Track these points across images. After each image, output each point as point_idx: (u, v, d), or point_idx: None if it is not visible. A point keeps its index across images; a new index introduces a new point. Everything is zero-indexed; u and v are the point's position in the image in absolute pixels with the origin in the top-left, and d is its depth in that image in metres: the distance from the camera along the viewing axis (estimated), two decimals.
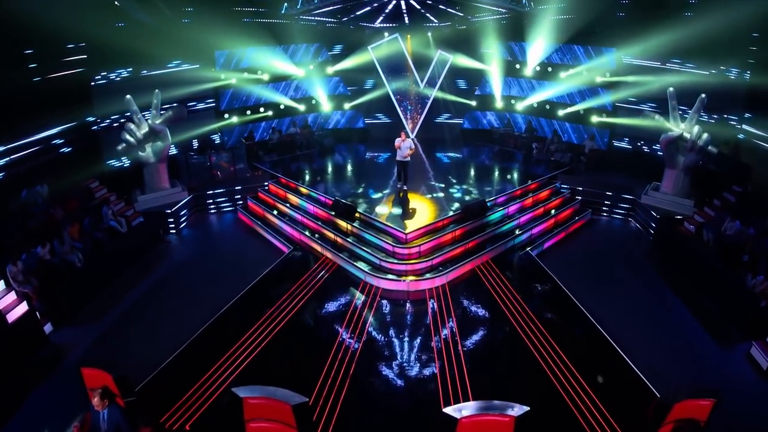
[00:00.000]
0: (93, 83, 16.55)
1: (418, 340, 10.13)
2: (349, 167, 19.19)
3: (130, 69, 17.34)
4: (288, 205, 15.87)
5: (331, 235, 13.80)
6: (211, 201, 17.19)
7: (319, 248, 13.63)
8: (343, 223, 13.94)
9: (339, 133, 22.54)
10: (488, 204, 14.24)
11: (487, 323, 10.66)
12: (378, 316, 10.98)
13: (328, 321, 10.80)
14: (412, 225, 13.02)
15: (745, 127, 15.89)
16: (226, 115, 20.00)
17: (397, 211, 14.07)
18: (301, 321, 10.76)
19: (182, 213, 16.19)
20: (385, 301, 11.50)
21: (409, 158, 15.08)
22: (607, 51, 18.69)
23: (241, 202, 17.20)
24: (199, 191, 17.05)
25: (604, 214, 16.30)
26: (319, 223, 14.39)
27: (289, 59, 20.93)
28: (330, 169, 18.95)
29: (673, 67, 16.96)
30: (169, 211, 15.56)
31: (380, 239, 12.84)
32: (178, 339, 9.90)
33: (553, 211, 15.35)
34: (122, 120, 15.95)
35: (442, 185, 16.24)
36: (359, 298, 11.63)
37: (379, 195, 15.46)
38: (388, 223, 13.15)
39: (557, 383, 8.80)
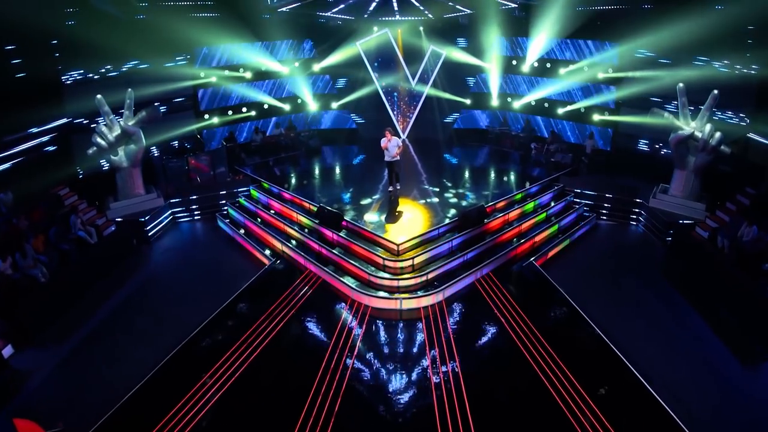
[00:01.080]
0: (64, 82, 15.51)
1: (412, 369, 8.95)
2: (337, 170, 17.99)
3: (107, 66, 16.35)
4: (270, 212, 14.71)
5: (316, 246, 12.64)
6: (189, 208, 15.96)
7: (302, 260, 12.43)
8: (328, 233, 12.76)
9: (326, 134, 21.39)
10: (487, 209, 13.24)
11: (489, 346, 9.51)
12: (367, 340, 9.77)
13: (311, 347, 9.60)
14: (404, 234, 11.89)
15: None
16: (207, 116, 18.85)
17: (389, 218, 12.95)
18: (279, 347, 9.57)
19: (157, 221, 15.03)
20: (375, 322, 10.32)
21: (398, 157, 14.11)
22: (610, 46, 17.87)
23: (221, 208, 16.01)
24: (176, 197, 15.92)
25: (610, 218, 15.24)
26: (304, 232, 13.25)
27: (273, 56, 19.95)
28: (316, 172, 17.76)
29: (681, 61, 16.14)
30: (143, 219, 14.44)
31: (370, 251, 11.69)
32: (145, 366, 8.88)
33: (555, 217, 14.32)
34: (96, 121, 14.98)
35: (436, 189, 15.11)
36: (346, 318, 10.41)
37: (368, 200, 14.28)
38: (378, 234, 12.03)
39: (569, 413, 7.71)
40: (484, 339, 9.72)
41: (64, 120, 15.77)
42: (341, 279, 11.29)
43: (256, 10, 18.19)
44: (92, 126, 14.74)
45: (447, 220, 12.78)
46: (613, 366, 8.84)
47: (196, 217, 15.98)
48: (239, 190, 16.24)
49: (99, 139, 14.00)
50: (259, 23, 18.34)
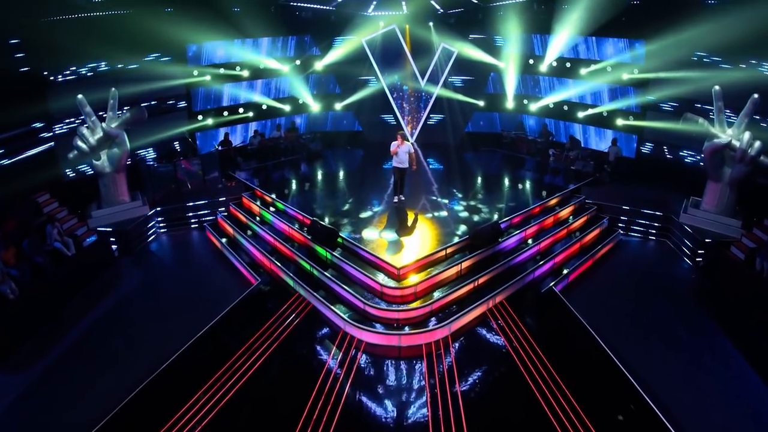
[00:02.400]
0: (47, 81, 14.33)
1: (412, 417, 7.54)
2: (337, 177, 16.54)
3: (92, 65, 15.12)
4: (261, 224, 13.34)
5: (307, 267, 11.20)
6: (176, 216, 14.68)
7: (291, 282, 11.04)
8: (322, 251, 11.39)
9: (329, 137, 19.95)
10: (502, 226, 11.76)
11: (500, 393, 8.05)
12: (358, 384, 8.28)
13: (293, 388, 8.21)
14: (407, 255, 10.49)
15: None
16: (200, 117, 17.56)
17: (391, 235, 11.58)
18: (257, 387, 8.21)
19: (141, 231, 13.82)
20: (369, 360, 8.85)
21: (407, 165, 12.80)
22: (635, 43, 16.38)
23: (210, 217, 14.72)
24: (163, 205, 14.66)
25: (636, 234, 13.75)
26: (295, 248, 11.85)
27: (273, 53, 18.80)
28: (314, 179, 16.39)
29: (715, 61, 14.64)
30: (125, 229, 13.29)
31: (366, 274, 10.21)
32: (115, 397, 7.81)
33: (577, 233, 12.88)
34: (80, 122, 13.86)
35: (445, 201, 13.65)
36: (335, 356, 8.91)
37: (369, 213, 12.83)
38: (376, 255, 10.57)
39: None
40: (495, 385, 8.25)
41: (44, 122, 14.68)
42: (332, 307, 9.81)
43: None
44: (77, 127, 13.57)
45: (456, 239, 11.29)
46: (643, 416, 7.44)
47: (183, 227, 14.68)
48: (231, 197, 14.96)
49: (80, 142, 12.87)
50: (254, 18, 17.13)
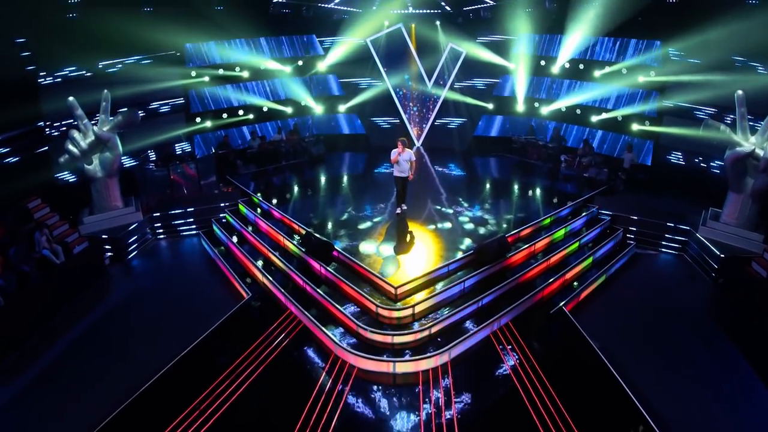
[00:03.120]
0: (40, 81, 13.85)
1: None
2: (338, 183, 15.78)
3: (87, 66, 14.63)
4: (255, 233, 12.66)
5: (300, 282, 10.45)
6: (170, 223, 14.10)
7: (283, 298, 10.27)
8: (317, 266, 10.63)
9: (333, 140, 19.20)
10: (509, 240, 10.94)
11: (503, 426, 7.36)
12: (348, 413, 7.60)
13: (278, 415, 7.56)
14: (407, 271, 9.73)
15: None
16: (199, 119, 16.95)
17: (391, 250, 10.78)
18: (240, 414, 7.58)
19: (134, 238, 13.24)
20: (361, 387, 8.12)
21: (408, 173, 12.06)
22: (651, 45, 15.48)
23: (205, 225, 14.02)
24: (157, 211, 14.07)
25: (651, 247, 12.83)
26: (289, 262, 11.11)
27: (275, 53, 18.20)
28: (314, 185, 15.64)
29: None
30: (114, 236, 12.81)
31: (360, 293, 9.46)
32: (96, 415, 7.36)
33: (590, 246, 12.04)
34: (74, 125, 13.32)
35: (449, 211, 12.84)
36: (325, 382, 8.17)
37: (368, 224, 12.09)
38: (373, 272, 9.81)
39: None
40: (497, 418, 7.51)
41: (39, 123, 14.09)
42: (323, 328, 9.07)
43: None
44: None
45: (459, 254, 10.50)
46: None
47: (177, 234, 14.08)
48: (227, 204, 14.35)
49: (71, 146, 12.43)
50: (257, 18, 16.55)
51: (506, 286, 10.09)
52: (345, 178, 16.32)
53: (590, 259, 11.67)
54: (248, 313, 10.27)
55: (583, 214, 13.19)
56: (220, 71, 16.95)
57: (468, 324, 9.23)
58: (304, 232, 11.35)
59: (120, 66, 15.13)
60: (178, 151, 16.60)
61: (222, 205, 14.29)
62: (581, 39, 16.47)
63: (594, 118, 17.22)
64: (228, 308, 10.16)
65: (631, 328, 9.79)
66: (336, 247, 10.67)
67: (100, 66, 14.89)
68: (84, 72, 14.68)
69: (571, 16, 15.97)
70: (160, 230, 14.17)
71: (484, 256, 10.17)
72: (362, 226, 12.03)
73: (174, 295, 11.28)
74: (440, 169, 17.09)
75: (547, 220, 12.54)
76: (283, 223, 12.69)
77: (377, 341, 8.71)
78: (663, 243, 12.93)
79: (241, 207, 14.06)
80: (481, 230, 11.74)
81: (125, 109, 13.49)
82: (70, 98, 12.19)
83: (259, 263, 11.47)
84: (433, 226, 11.93)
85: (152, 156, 15.51)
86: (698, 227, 12.33)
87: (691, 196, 13.99)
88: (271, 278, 10.72)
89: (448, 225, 12.04)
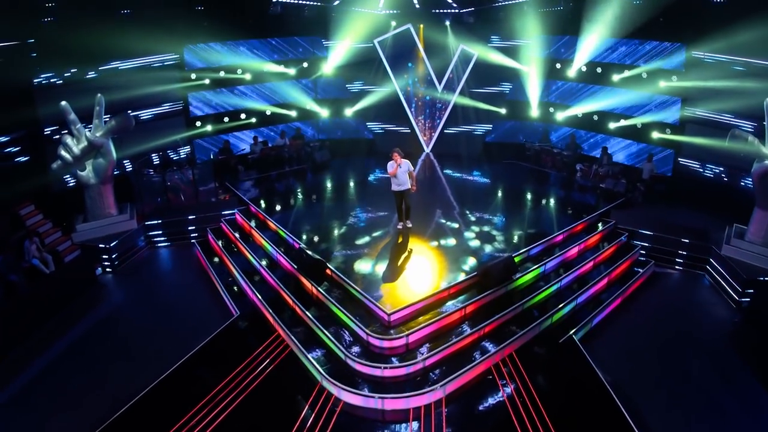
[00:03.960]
0: (35, 84, 13.46)
1: None
2: (341, 191, 14.98)
3: (85, 69, 14.13)
4: (248, 246, 11.90)
5: (290, 301, 9.67)
6: (166, 232, 13.59)
7: (271, 319, 9.51)
8: (308, 285, 9.81)
9: (339, 145, 18.43)
10: (516, 261, 10.02)
11: None
12: None
13: None
14: (402, 295, 8.85)
15: None
16: (199, 123, 16.32)
17: (389, 269, 9.90)
18: None
19: (126, 247, 12.80)
20: (347, 425, 7.33)
21: (407, 186, 11.09)
22: (673, 47, 14.41)
23: (200, 234, 13.47)
24: (152, 219, 13.54)
25: (671, 266, 11.89)
26: (280, 279, 10.34)
27: (278, 55, 17.52)
28: (314, 193, 14.84)
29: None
30: (105, 245, 12.36)
31: (351, 317, 8.62)
32: None
33: (603, 267, 11.11)
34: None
35: (455, 225, 11.91)
36: (307, 417, 7.37)
37: (367, 239, 11.23)
38: (367, 295, 8.89)
39: None
40: None
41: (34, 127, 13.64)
42: (308, 356, 8.27)
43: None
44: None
45: (461, 276, 9.59)
46: None
47: (172, 243, 13.54)
48: (224, 213, 13.70)
49: (63, 152, 12.05)
50: (260, 19, 15.88)
51: (512, 312, 9.18)
52: (347, 186, 15.53)
53: (605, 280, 10.78)
54: (235, 333, 9.58)
55: (599, 229, 12.26)
56: (221, 74, 16.30)
57: (467, 355, 8.35)
58: (297, 246, 10.64)
59: (118, 69, 14.54)
60: (178, 157, 16.02)
61: (219, 213, 13.68)
62: (599, 40, 15.47)
63: (612, 125, 16.22)
64: (215, 327, 9.55)
65: (645, 359, 8.93)
66: (329, 266, 9.91)
67: (99, 69, 14.33)
68: (82, 75, 14.15)
69: (588, 17, 15.00)
70: (155, 239, 13.65)
71: (488, 279, 9.31)
72: (360, 240, 11.21)
73: (162, 310, 10.74)
74: (449, 176, 16.27)
75: (560, 237, 11.62)
76: (278, 236, 11.96)
77: (365, 374, 7.88)
78: (683, 261, 12.00)
79: (237, 216, 13.39)
80: (488, 248, 10.82)
81: (119, 114, 12.92)
82: (63, 103, 11.76)
83: (250, 278, 10.77)
84: (435, 243, 11.03)
85: (156, 160, 14.85)
86: (721, 245, 11.39)
87: (714, 211, 13.02)
88: (260, 296, 10.01)
89: (452, 242, 11.11)
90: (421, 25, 17.55)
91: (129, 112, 13.32)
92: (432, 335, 8.53)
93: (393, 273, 9.86)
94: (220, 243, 12.51)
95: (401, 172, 10.86)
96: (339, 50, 17.88)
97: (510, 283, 9.62)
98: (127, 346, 9.50)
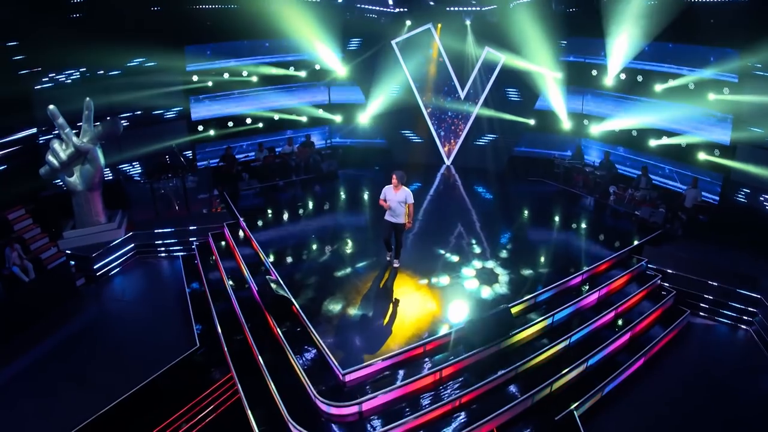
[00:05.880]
0: (33, 86, 12.90)
1: None
2: (339, 208, 13.46)
3: (81, 69, 13.46)
4: (225, 269, 10.61)
5: (249, 340, 8.25)
6: (152, 243, 12.67)
7: (228, 357, 8.12)
8: (271, 322, 8.33)
9: (351, 154, 17.00)
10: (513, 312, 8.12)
11: None
12: None
13: None
14: (369, 348, 7.29)
15: None
16: (201, 127, 15.25)
17: (361, 313, 8.26)
18: None
19: (111, 257, 11.96)
20: None
21: (402, 220, 9.21)
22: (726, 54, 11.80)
23: (186, 248, 12.46)
24: (139, 229, 12.66)
25: (710, 315, 9.74)
26: (244, 310, 8.94)
27: (288, 56, 16.13)
28: (310, 209, 13.37)
29: None
30: (87, 255, 11.59)
31: (301, 372, 7.10)
32: None
33: (622, 321, 9.03)
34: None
35: (454, 258, 10.08)
36: None
37: (347, 271, 9.64)
38: (324, 343, 7.37)
39: None
40: None
41: (32, 130, 13.08)
42: (249, 412, 6.86)
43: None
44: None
45: (443, 329, 7.78)
46: None
47: (158, 256, 12.61)
48: (213, 226, 12.48)
49: (51, 157, 11.38)
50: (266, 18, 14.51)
51: (500, 377, 7.37)
52: (347, 203, 14.01)
53: (627, 336, 8.80)
54: (189, 367, 8.39)
55: (626, 270, 10.17)
56: (225, 76, 15.08)
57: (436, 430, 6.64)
58: (273, 276, 9.21)
59: (117, 70, 13.60)
60: (177, 162, 14.93)
61: (209, 226, 12.54)
62: (639, 45, 13.21)
63: (652, 143, 13.92)
64: (174, 357, 8.45)
65: None
66: (295, 302, 8.39)
67: (98, 71, 13.50)
68: (78, 77, 13.39)
69: (626, 18, 12.80)
70: (141, 249, 12.71)
71: (475, 336, 7.57)
72: (341, 272, 9.62)
73: (130, 332, 9.82)
74: (465, 194, 14.56)
75: (578, 279, 9.62)
76: (258, 259, 10.57)
77: None
78: (725, 312, 9.81)
79: (227, 231, 12.14)
80: (486, 291, 8.98)
81: (107, 119, 12.05)
82: (51, 106, 11.10)
83: (218, 307, 9.49)
84: (426, 281, 9.28)
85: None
86: None
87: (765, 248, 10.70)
88: (220, 329, 8.68)
89: (445, 281, 9.31)
90: (439, 24, 15.73)
91: (118, 117, 12.56)
92: (394, 403, 6.84)
93: (365, 319, 8.22)
94: (200, 261, 11.26)
95: (395, 202, 9.10)
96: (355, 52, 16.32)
97: (504, 340, 7.79)
98: (83, 371, 8.61)
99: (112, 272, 11.98)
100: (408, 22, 15.97)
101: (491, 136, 16.68)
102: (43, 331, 9.75)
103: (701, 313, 9.95)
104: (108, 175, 13.96)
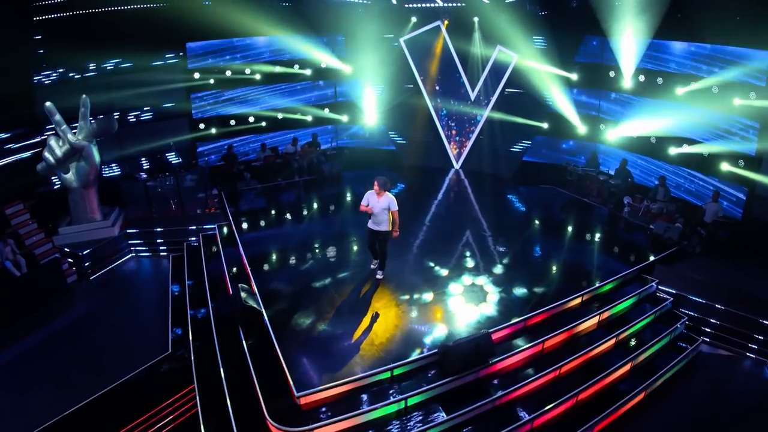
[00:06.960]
0: (35, 82, 12.82)
1: None
2: (332, 213, 12.83)
3: (84, 66, 13.26)
4: (207, 273, 10.16)
5: (217, 351, 7.66)
6: (145, 241, 12.42)
7: (194, 367, 7.63)
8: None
9: (356, 155, 16.23)
10: (493, 340, 7.23)
11: None
12: None
13: None
14: (333, 370, 6.60)
15: None
16: (202, 125, 14.81)
17: (331, 330, 7.54)
18: None
19: (102, 255, 11.83)
20: None
21: (385, 227, 8.52)
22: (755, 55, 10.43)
23: (178, 248, 12.05)
24: (134, 227, 12.42)
25: (722, 344, 8.68)
26: (217, 319, 8.43)
27: (292, 54, 15.50)
28: (304, 212, 12.85)
29: None
30: (81, 251, 11.51)
31: (257, 391, 6.47)
32: None
33: (630, 344, 8.14)
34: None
35: (443, 272, 9.24)
36: None
37: (326, 281, 8.93)
38: (283, 361, 6.74)
39: None
40: None
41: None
42: (203, 428, 6.33)
43: None
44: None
45: (416, 353, 7.00)
46: None
47: (151, 255, 12.36)
48: (206, 227, 12.06)
49: (47, 154, 11.30)
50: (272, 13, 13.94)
51: (473, 410, 6.55)
52: (342, 207, 13.31)
53: (627, 366, 7.85)
54: (154, 375, 8.04)
55: (633, 294, 9.11)
56: (228, 73, 14.59)
57: None
58: (252, 286, 8.61)
59: (117, 67, 13.28)
60: (179, 160, 14.62)
61: (202, 227, 12.21)
62: (655, 45, 12.12)
63: (672, 151, 12.69)
64: (145, 361, 8.19)
65: None
66: (264, 314, 7.74)
67: (100, 67, 13.24)
68: (80, 73, 13.23)
69: (647, 15, 11.68)
70: (135, 248, 12.51)
71: (450, 363, 6.76)
72: (319, 282, 8.92)
73: (111, 333, 9.63)
74: (470, 201, 13.78)
75: (577, 301, 8.64)
76: (240, 264, 9.98)
77: None
78: (743, 343, 8.71)
79: (218, 232, 11.65)
80: (471, 311, 8.16)
81: (103, 116, 11.77)
82: (48, 103, 11.01)
83: (195, 312, 9.09)
84: (407, 296, 8.51)
85: (148, 164, 13.48)
86: None
87: None
88: (191, 336, 8.19)
89: (428, 297, 8.50)
90: (446, 21, 14.89)
91: (114, 114, 12.46)
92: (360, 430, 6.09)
93: (333, 336, 7.49)
94: (188, 262, 10.80)
95: (378, 208, 8.39)
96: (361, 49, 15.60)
97: (482, 368, 6.95)
98: (62, 369, 8.44)
99: (104, 270, 11.80)
100: (413, 19, 15.15)
101: (501, 140, 15.66)
102: (29, 327, 9.62)
103: (717, 343, 8.87)
104: (116, 171, 13.84)
